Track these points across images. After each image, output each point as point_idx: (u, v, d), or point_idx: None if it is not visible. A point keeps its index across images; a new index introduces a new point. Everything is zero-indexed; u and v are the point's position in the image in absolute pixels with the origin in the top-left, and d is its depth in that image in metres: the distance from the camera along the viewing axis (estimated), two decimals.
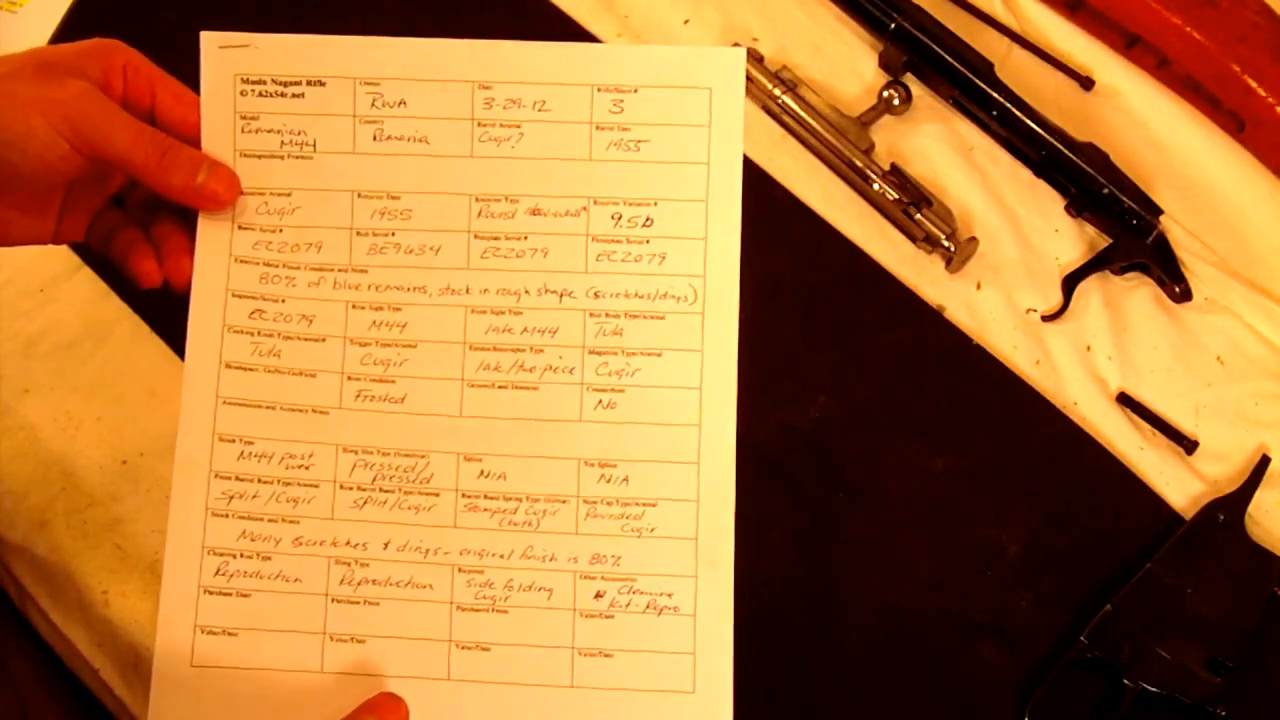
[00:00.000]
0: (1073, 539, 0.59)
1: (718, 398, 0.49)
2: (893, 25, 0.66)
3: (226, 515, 0.49)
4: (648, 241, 0.50)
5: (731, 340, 0.49)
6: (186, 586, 0.49)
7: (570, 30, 0.69)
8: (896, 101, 0.67)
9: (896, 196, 0.64)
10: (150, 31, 0.73)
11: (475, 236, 0.50)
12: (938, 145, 0.67)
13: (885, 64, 0.68)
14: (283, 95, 0.51)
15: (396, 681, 0.48)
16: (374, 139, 0.51)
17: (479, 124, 0.51)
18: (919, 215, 0.64)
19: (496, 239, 0.50)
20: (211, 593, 0.49)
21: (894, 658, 0.57)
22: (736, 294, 0.50)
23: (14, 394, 0.62)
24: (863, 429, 0.61)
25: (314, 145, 0.51)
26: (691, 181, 0.50)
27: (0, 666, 0.60)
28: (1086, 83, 0.67)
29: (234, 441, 0.50)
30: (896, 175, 0.65)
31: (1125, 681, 0.55)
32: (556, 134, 0.50)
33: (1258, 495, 0.59)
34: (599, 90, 0.50)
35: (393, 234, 0.51)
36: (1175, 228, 0.65)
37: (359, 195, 0.51)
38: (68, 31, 0.69)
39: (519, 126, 0.51)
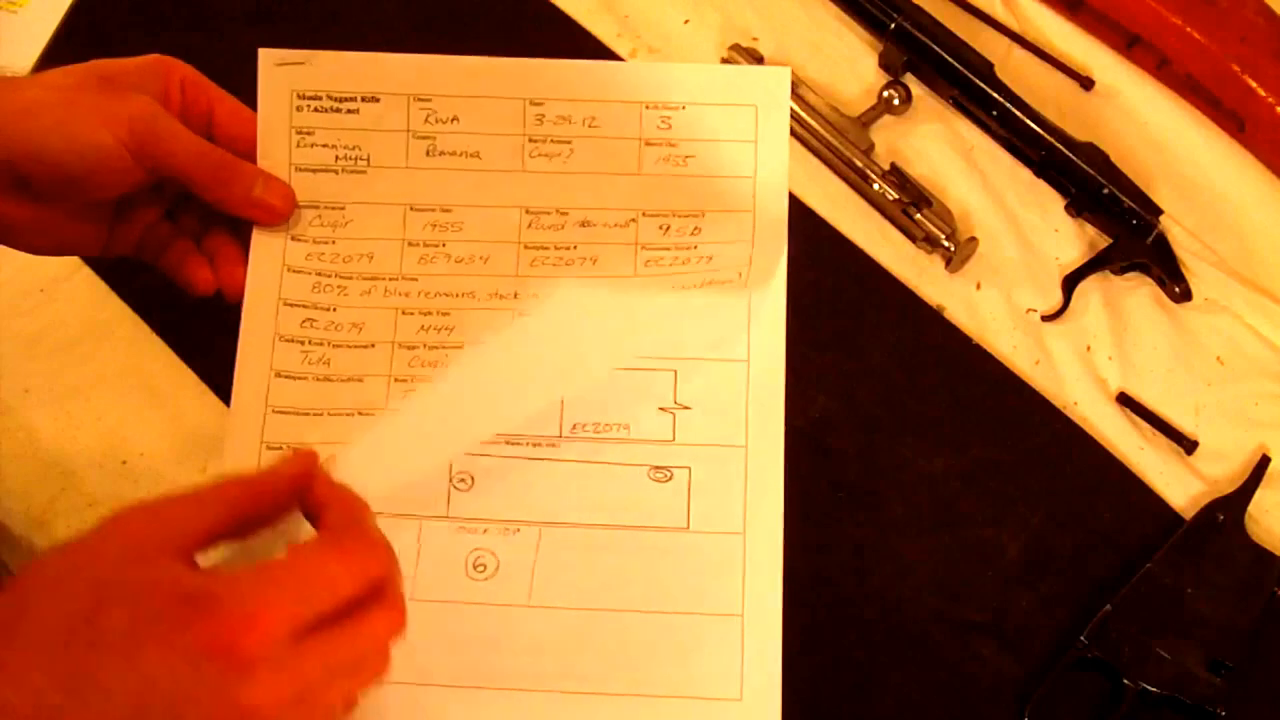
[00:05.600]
0: (1073, 539, 0.59)
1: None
2: (893, 25, 0.66)
3: None
4: (695, 247, 0.51)
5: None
6: None
7: (570, 30, 0.69)
8: (896, 101, 0.67)
9: (896, 196, 0.64)
10: (149, 34, 0.73)
11: (525, 247, 0.51)
12: (938, 145, 0.67)
13: (885, 64, 0.68)
14: (337, 111, 0.52)
15: None
16: (427, 154, 0.52)
17: (530, 139, 0.52)
18: (919, 215, 0.64)
19: (545, 248, 0.51)
20: None
21: (894, 658, 0.57)
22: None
23: (14, 394, 0.62)
24: (863, 429, 0.61)
25: (368, 160, 0.52)
26: (739, 193, 0.51)
27: None
28: (1086, 83, 0.67)
29: (281, 449, 0.50)
30: (896, 175, 0.65)
31: (1125, 681, 0.55)
32: (606, 149, 0.51)
33: (1258, 495, 0.59)
34: (647, 107, 0.51)
35: (443, 244, 0.51)
36: (1175, 228, 0.65)
37: (411, 208, 0.52)
38: (68, 31, 0.69)
39: (569, 142, 0.52)
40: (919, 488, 0.60)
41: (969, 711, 0.56)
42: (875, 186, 0.64)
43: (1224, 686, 0.54)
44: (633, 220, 0.51)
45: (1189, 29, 0.64)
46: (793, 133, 0.67)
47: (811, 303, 0.64)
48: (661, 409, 0.49)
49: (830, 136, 0.65)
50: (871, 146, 0.66)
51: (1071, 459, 0.61)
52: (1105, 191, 0.63)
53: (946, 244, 0.63)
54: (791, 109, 0.66)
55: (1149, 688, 0.54)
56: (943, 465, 0.60)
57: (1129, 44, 0.67)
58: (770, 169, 0.51)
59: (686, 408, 0.49)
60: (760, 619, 0.48)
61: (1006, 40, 0.68)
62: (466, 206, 0.51)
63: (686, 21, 0.70)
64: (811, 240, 0.65)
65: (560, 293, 0.49)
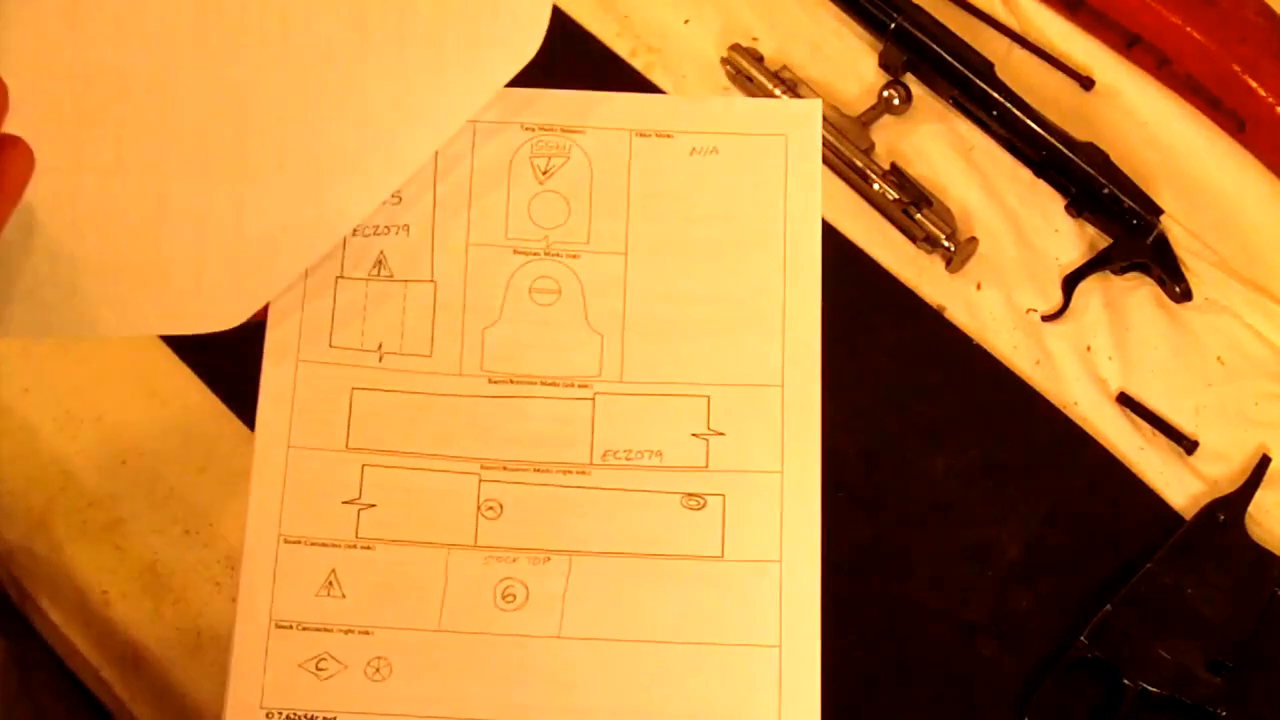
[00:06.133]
0: (1073, 539, 0.59)
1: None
2: (893, 25, 0.66)
3: None
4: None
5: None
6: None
7: (570, 30, 0.69)
8: (896, 101, 0.67)
9: (896, 196, 0.64)
10: None
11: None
12: (938, 145, 0.67)
13: (885, 64, 0.68)
14: None
15: None
16: None
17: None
18: (919, 215, 0.64)
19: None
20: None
21: (894, 657, 0.57)
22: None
23: (14, 394, 0.62)
24: (863, 429, 0.61)
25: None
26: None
27: (14, 666, 0.61)
28: (1086, 83, 0.67)
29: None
30: (896, 175, 0.65)
31: (1125, 681, 0.55)
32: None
33: (1258, 495, 0.59)
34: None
35: None
36: (1175, 228, 0.65)
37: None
38: None
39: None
40: (919, 488, 0.60)
41: (969, 711, 0.56)
42: (875, 186, 0.64)
43: (1224, 686, 0.54)
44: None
45: (1189, 29, 0.64)
46: None
47: None
48: (694, 435, 0.48)
49: (830, 136, 0.65)
50: (871, 146, 0.66)
51: (1071, 459, 0.60)
52: (1105, 191, 0.63)
53: (946, 244, 0.63)
54: None
55: (1149, 688, 0.54)
56: (943, 465, 0.60)
57: (1129, 44, 0.67)
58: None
59: (720, 434, 0.48)
60: (799, 650, 0.47)
61: (1006, 40, 0.68)
62: None
63: (687, 21, 0.70)
64: None
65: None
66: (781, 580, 0.47)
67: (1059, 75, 0.68)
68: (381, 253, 0.49)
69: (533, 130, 0.51)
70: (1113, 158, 0.64)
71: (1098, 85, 0.67)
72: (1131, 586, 0.56)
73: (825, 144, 0.65)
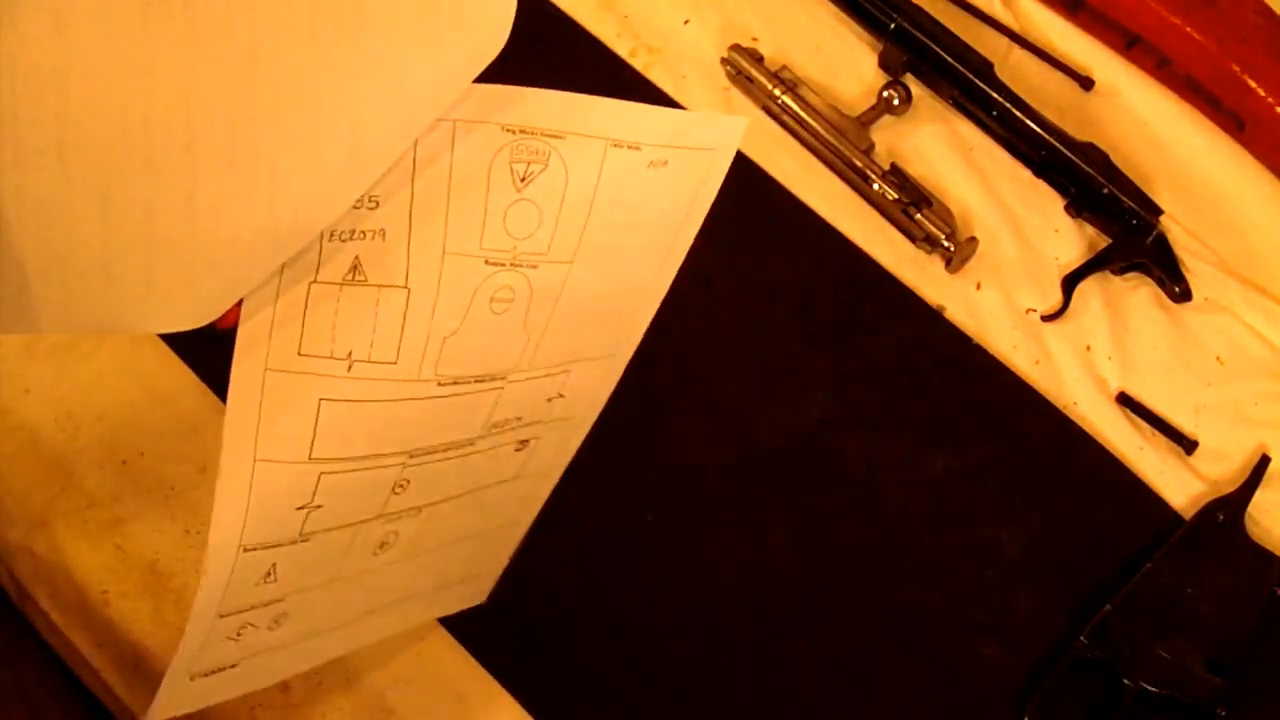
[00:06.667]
0: (1073, 539, 0.59)
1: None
2: (893, 25, 0.66)
3: None
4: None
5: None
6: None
7: (569, 30, 0.69)
8: (896, 101, 0.67)
9: (896, 196, 0.64)
10: None
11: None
12: (938, 145, 0.67)
13: (885, 64, 0.68)
14: None
15: None
16: None
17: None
18: (919, 215, 0.64)
19: None
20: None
21: (894, 658, 0.57)
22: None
23: (14, 394, 0.62)
24: (863, 429, 0.61)
25: None
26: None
27: (9, 665, 0.61)
28: (1086, 83, 0.67)
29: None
30: (896, 175, 0.65)
31: (1125, 681, 0.55)
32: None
33: (1258, 495, 0.59)
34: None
35: None
36: (1175, 228, 0.65)
37: None
38: None
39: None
40: (919, 488, 0.60)
41: (969, 711, 0.56)
42: (875, 186, 0.64)
43: (1224, 686, 0.54)
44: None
45: (1189, 29, 0.64)
46: (793, 133, 0.67)
47: (811, 303, 0.64)
48: (548, 400, 0.52)
49: (830, 136, 0.65)
50: (871, 146, 0.66)
51: (1071, 459, 0.61)
52: (1105, 191, 0.63)
53: (946, 244, 0.63)
54: (791, 109, 0.66)
55: (1149, 688, 0.54)
56: (943, 465, 0.60)
57: (1129, 44, 0.67)
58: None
59: (562, 396, 0.52)
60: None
61: (1006, 40, 0.68)
62: None
63: (686, 21, 0.70)
64: (811, 240, 0.65)
65: None
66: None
67: (1059, 75, 0.68)
68: (357, 258, 0.47)
69: (514, 133, 0.49)
70: (1113, 158, 0.64)
71: (1098, 85, 0.67)
72: (1131, 586, 0.56)
73: (825, 144, 0.65)
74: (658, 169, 0.50)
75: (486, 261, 0.49)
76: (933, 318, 0.63)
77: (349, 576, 0.52)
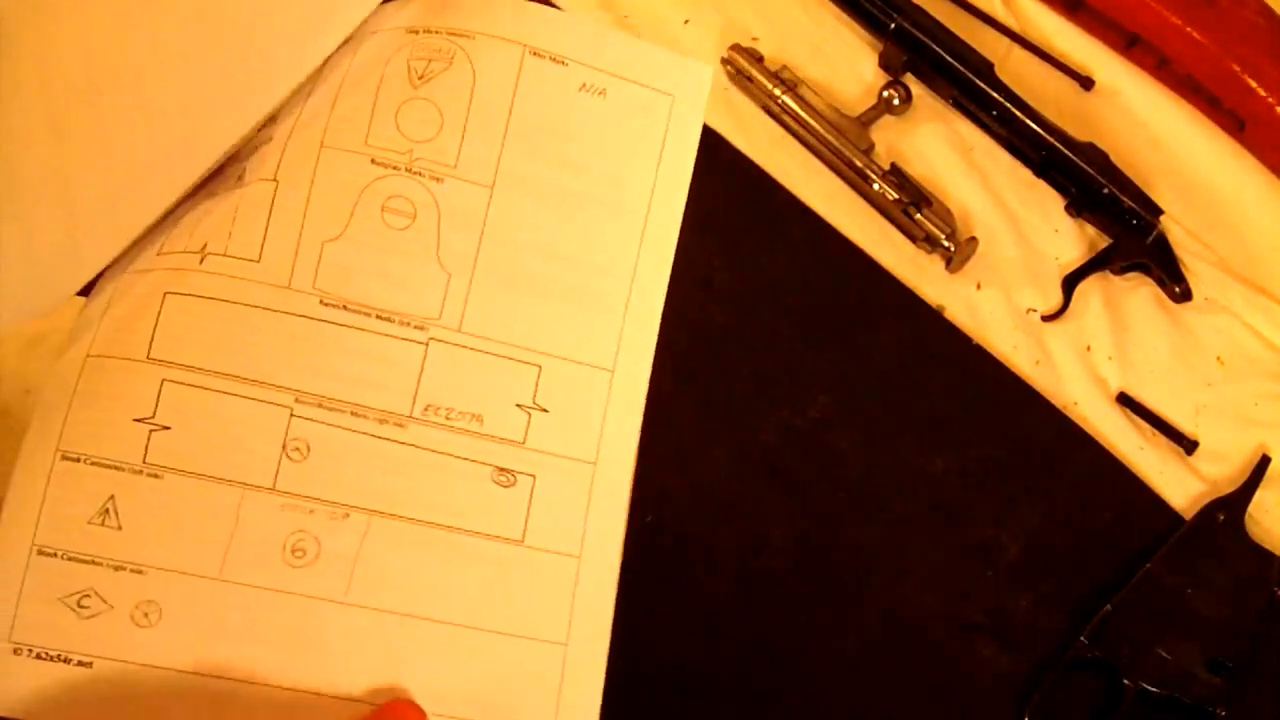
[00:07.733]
0: (1073, 539, 0.59)
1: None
2: (893, 25, 0.66)
3: None
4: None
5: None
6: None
7: None
8: (896, 101, 0.67)
9: (896, 196, 0.64)
10: None
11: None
12: (938, 145, 0.67)
13: (885, 64, 0.68)
14: None
15: None
16: None
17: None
18: (919, 215, 0.64)
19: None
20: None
21: (894, 658, 0.57)
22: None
23: (14, 394, 0.62)
24: (863, 429, 0.61)
25: None
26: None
27: None
28: (1086, 83, 0.67)
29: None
30: (896, 175, 0.65)
31: (1125, 681, 0.55)
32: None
33: (1258, 495, 0.59)
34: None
35: None
36: (1175, 228, 0.65)
37: None
38: None
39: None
40: (919, 488, 0.60)
41: (969, 711, 0.56)
42: (875, 186, 0.64)
43: (1224, 686, 0.54)
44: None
45: (1189, 29, 0.64)
46: (793, 133, 0.67)
47: (811, 303, 0.64)
48: (518, 405, 0.45)
49: (830, 136, 0.65)
50: (871, 146, 0.66)
51: (1071, 459, 0.61)
52: (1105, 191, 0.63)
53: (946, 244, 0.63)
54: (791, 109, 0.66)
55: (1149, 688, 0.54)
56: (943, 465, 0.60)
57: (1129, 44, 0.67)
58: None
59: (544, 410, 0.45)
60: (585, 650, 0.44)
61: (1006, 40, 0.68)
62: None
63: (686, 21, 0.70)
64: (811, 240, 0.65)
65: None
66: (578, 576, 0.44)
67: (1059, 75, 0.68)
68: (244, 168, 0.44)
69: (416, 33, 0.45)
70: (1113, 158, 0.64)
71: (1098, 85, 0.67)
72: (1131, 586, 0.56)
73: (825, 144, 0.65)
74: (593, 96, 0.46)
75: (373, 160, 0.44)
76: (933, 318, 0.63)
77: (250, 584, 0.43)
